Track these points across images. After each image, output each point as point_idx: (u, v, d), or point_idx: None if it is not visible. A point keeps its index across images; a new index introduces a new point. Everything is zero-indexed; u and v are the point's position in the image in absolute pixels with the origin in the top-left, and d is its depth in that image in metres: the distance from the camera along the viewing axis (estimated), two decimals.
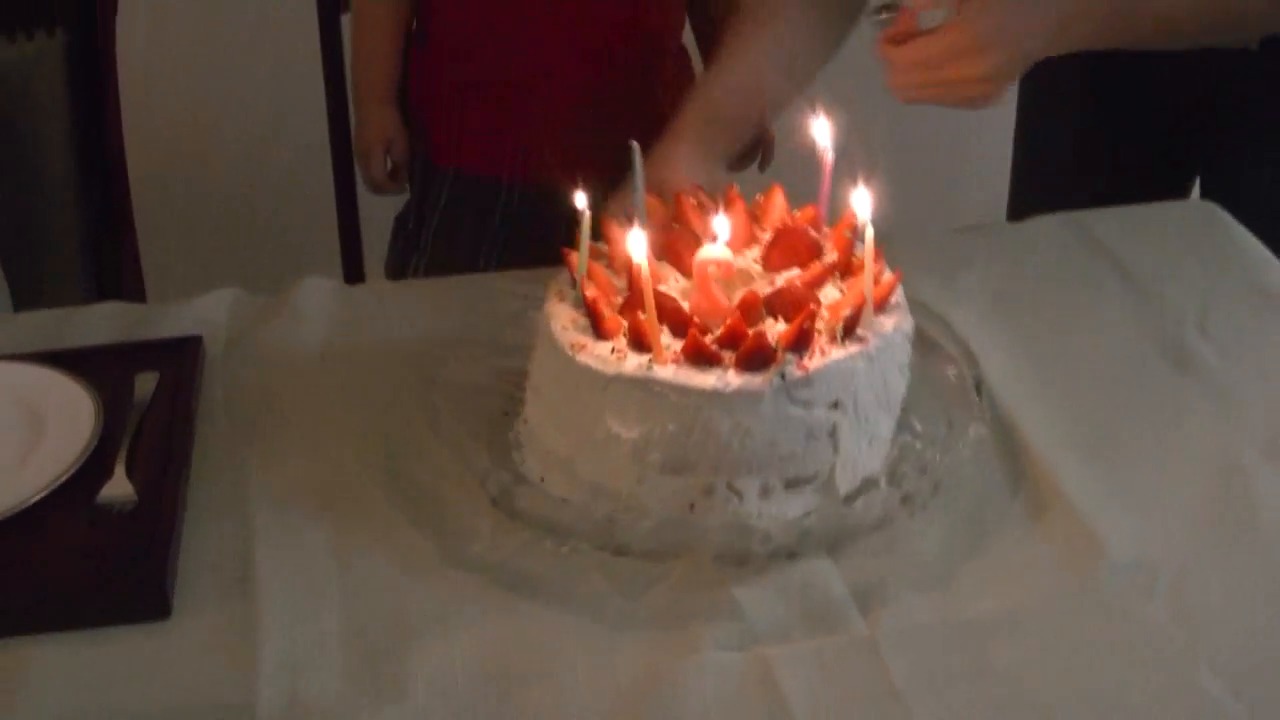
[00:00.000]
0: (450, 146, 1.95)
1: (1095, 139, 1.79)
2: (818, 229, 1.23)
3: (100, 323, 1.43)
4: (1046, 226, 1.54)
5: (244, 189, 2.73)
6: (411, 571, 1.10)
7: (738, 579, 1.07)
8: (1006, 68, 1.29)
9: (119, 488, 1.16)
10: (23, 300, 1.84)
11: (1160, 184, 1.75)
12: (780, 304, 1.13)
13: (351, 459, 1.22)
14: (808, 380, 1.07)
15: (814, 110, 1.26)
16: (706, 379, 1.06)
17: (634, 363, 1.08)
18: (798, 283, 1.15)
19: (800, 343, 1.07)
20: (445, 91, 1.93)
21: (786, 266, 1.20)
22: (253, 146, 2.70)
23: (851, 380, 1.09)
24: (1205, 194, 1.76)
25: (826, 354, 1.08)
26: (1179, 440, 1.22)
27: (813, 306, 1.10)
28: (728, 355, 1.07)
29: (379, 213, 2.09)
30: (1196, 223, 1.55)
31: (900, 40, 1.29)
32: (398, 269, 2.05)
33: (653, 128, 1.77)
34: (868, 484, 1.13)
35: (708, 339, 1.08)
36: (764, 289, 1.16)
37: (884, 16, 1.30)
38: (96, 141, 1.97)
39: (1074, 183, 1.81)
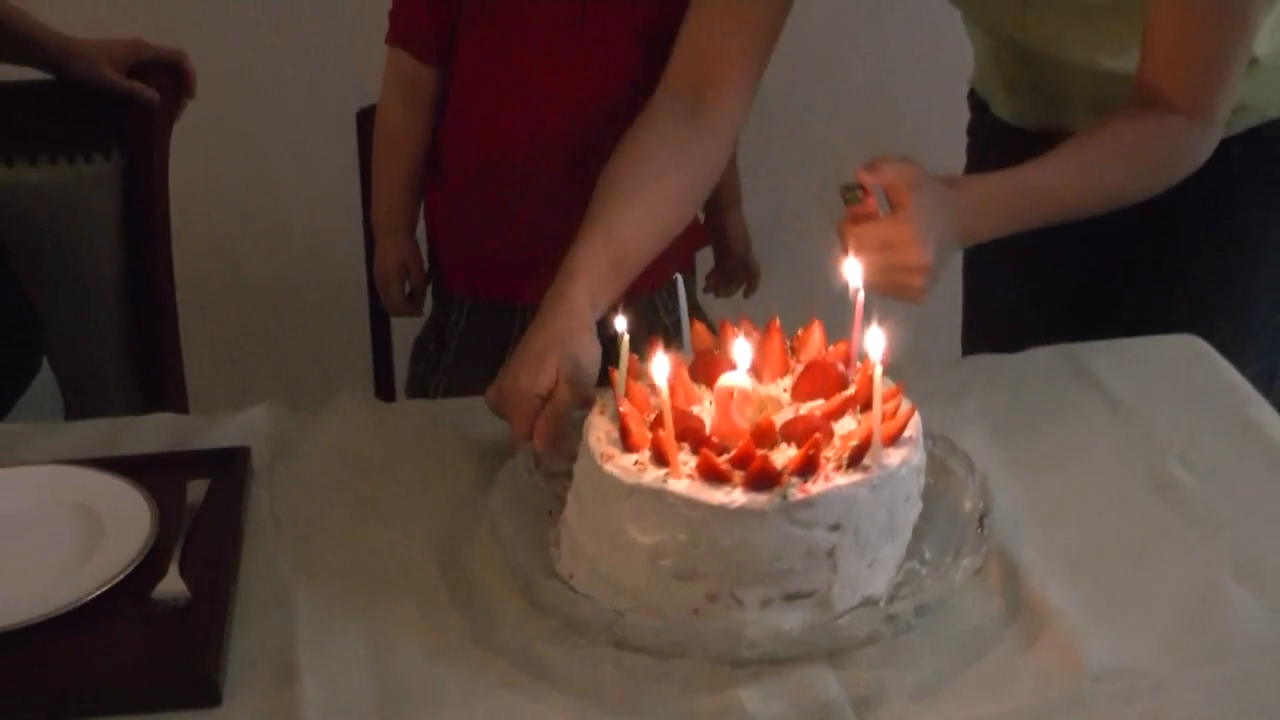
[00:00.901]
0: (466, 275, 2.03)
1: (1036, 273, 1.92)
2: (848, 364, 1.32)
3: (153, 432, 1.52)
4: (1041, 358, 1.62)
5: (282, 308, 2.81)
6: (442, 655, 1.18)
7: (742, 680, 1.15)
8: (936, 261, 1.38)
9: (173, 585, 1.24)
10: (72, 406, 1.93)
11: (1092, 318, 1.87)
12: (796, 431, 1.22)
13: (390, 558, 1.31)
14: (809, 503, 1.14)
15: (845, 251, 1.36)
16: (715, 495, 1.14)
17: (653, 475, 1.16)
18: (817, 413, 1.24)
19: (807, 468, 1.15)
20: (460, 224, 2.01)
21: (812, 397, 1.28)
22: (292, 268, 2.78)
23: (853, 506, 1.17)
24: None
25: (830, 480, 1.16)
26: (1160, 563, 1.29)
27: (818, 436, 1.18)
28: (738, 474, 1.15)
29: (410, 333, 2.18)
30: (1183, 357, 1.63)
31: (858, 221, 1.39)
32: (419, 390, 2.11)
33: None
34: (868, 602, 1.20)
35: (723, 459, 1.16)
36: (789, 416, 1.25)
37: (855, 192, 1.38)
38: (146, 259, 2.06)
39: (1021, 318, 1.95)
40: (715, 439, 1.20)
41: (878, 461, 1.19)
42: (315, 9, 2.58)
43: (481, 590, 1.26)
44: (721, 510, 1.14)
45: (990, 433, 1.47)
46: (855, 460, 1.18)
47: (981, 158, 1.99)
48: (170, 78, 2.04)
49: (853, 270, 1.34)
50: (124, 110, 2.01)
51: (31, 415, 1.74)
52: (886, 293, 1.39)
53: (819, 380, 1.30)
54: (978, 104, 2.02)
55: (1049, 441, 1.48)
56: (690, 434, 1.20)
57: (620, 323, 1.31)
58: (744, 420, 1.24)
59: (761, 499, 1.14)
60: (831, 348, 1.34)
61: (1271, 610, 1.23)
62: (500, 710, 1.13)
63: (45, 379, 1.83)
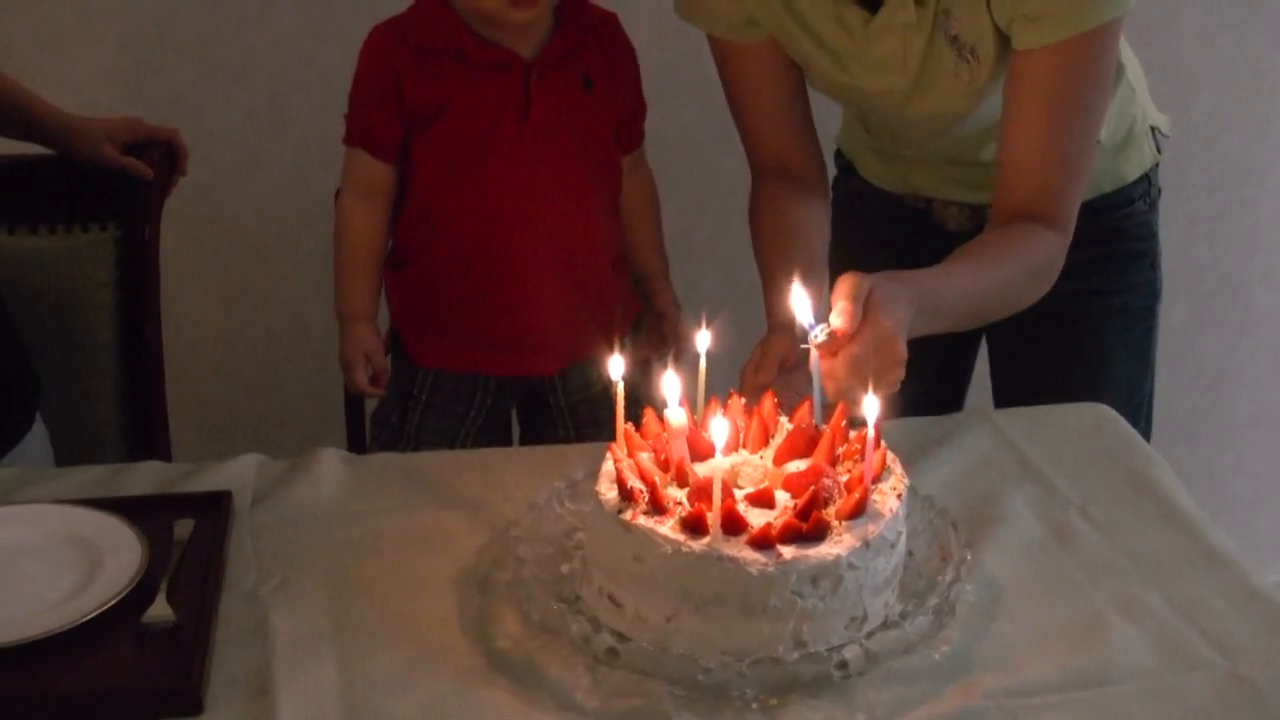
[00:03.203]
0: (431, 352, 2.13)
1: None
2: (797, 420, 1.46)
3: (144, 478, 1.65)
4: (962, 421, 1.77)
5: (263, 374, 2.91)
6: (404, 676, 1.32)
7: (688, 702, 1.28)
8: (905, 349, 1.50)
9: (160, 610, 1.37)
10: (62, 458, 2.02)
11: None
12: (793, 484, 1.36)
13: (359, 592, 1.44)
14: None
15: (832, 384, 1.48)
16: (674, 534, 1.28)
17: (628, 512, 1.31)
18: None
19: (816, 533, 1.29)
20: (422, 308, 2.12)
21: (792, 459, 1.42)
22: (273, 337, 2.88)
23: (825, 569, 1.29)
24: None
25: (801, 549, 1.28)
26: (1055, 598, 1.44)
27: (820, 492, 1.32)
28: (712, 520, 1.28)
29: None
30: (1091, 422, 1.78)
31: (833, 352, 1.47)
32: None
33: (606, 313, 2.03)
34: (832, 649, 1.30)
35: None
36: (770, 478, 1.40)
37: (824, 332, 1.47)
38: (137, 323, 2.16)
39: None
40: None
41: (843, 542, 1.30)
42: (301, 96, 2.71)
43: (442, 616, 1.40)
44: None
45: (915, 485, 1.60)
46: (810, 534, 1.30)
47: (848, 215, 2.10)
48: (164, 155, 2.15)
49: (804, 312, 1.48)
50: (120, 184, 2.11)
51: (24, 465, 1.84)
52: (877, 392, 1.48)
53: (796, 444, 1.43)
54: (845, 165, 2.15)
55: (966, 496, 1.61)
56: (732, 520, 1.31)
57: (615, 370, 1.45)
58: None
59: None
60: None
61: (1145, 640, 1.37)
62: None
63: (38, 432, 1.94)
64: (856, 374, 1.46)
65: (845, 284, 1.49)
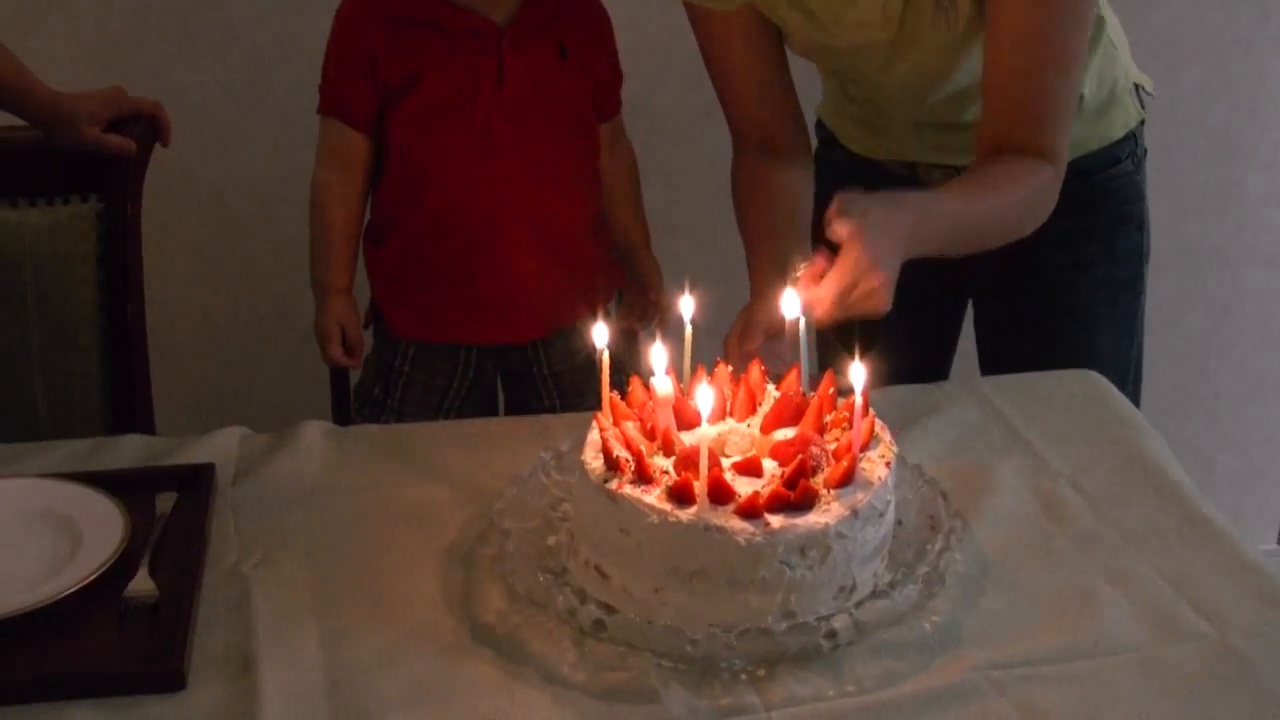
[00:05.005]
0: (411, 322, 2.14)
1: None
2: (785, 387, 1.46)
3: (126, 451, 1.64)
4: (949, 391, 1.76)
5: (246, 348, 2.90)
6: (388, 651, 1.30)
7: (675, 675, 1.27)
8: (891, 275, 1.50)
9: (143, 584, 1.36)
10: (44, 432, 2.01)
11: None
12: (781, 452, 1.35)
13: (342, 567, 1.43)
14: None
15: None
16: (660, 504, 1.27)
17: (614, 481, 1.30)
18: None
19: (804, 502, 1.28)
20: (401, 279, 2.12)
21: (780, 427, 1.41)
22: (256, 311, 2.87)
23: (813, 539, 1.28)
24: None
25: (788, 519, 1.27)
26: (1045, 570, 1.43)
27: (807, 460, 1.31)
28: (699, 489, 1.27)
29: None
30: (1080, 391, 1.77)
31: (816, 278, 1.50)
32: None
33: (586, 280, 2.05)
34: (821, 619, 1.29)
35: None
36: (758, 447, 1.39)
37: (804, 264, 1.50)
38: (120, 296, 2.13)
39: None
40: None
41: (832, 510, 1.29)
42: (283, 71, 2.68)
43: (426, 592, 1.39)
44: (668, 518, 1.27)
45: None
46: (800, 504, 1.29)
47: (832, 186, 2.07)
48: (147, 127, 2.12)
49: (790, 302, 1.47)
50: (102, 157, 2.07)
51: None
52: (857, 315, 1.50)
53: (783, 412, 1.42)
54: (826, 135, 2.14)
55: (954, 467, 1.59)
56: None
57: (600, 337, 1.44)
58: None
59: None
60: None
61: (1135, 612, 1.36)
62: (443, 699, 1.25)
63: None
64: (843, 299, 1.48)
65: (839, 201, 1.50)
